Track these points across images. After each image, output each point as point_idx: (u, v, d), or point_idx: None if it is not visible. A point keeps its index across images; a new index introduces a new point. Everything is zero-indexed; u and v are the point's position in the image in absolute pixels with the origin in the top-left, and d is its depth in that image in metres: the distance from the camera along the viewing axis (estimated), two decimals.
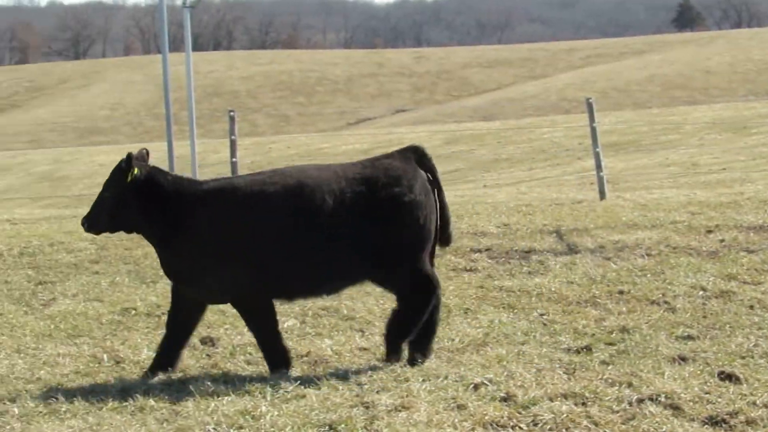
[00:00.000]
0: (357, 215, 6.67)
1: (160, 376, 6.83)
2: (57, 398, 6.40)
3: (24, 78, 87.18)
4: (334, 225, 6.64)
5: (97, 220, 6.92)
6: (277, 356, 6.80)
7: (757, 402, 5.94)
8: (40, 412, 6.20)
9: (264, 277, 6.68)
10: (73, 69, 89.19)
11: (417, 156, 6.94)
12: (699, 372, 6.54)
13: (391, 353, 6.86)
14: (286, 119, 67.27)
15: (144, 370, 7.00)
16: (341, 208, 6.65)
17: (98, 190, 7.03)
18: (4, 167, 35.36)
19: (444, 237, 7.02)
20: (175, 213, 6.74)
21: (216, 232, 6.68)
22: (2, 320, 8.86)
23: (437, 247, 7.03)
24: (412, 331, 6.79)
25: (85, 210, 7.29)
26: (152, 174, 6.86)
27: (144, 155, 6.96)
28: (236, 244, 6.65)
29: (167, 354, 6.91)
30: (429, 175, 6.91)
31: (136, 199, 6.78)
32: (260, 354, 6.98)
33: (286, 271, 6.69)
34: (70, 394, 6.50)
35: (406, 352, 6.90)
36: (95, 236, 8.47)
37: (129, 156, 6.82)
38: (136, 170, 6.80)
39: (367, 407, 5.86)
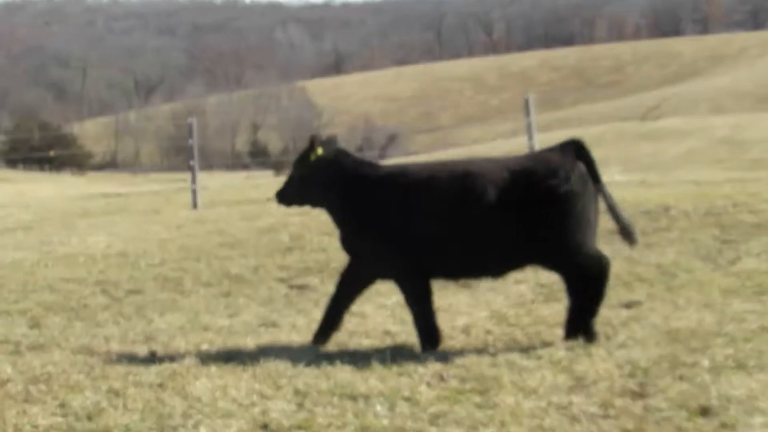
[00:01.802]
0: (517, 203, 6.83)
1: None
2: (744, 352, 6.35)
3: (705, 47, 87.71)
4: (495, 212, 6.81)
5: (286, 195, 7.38)
6: (428, 334, 7.01)
7: None
8: (729, 365, 6.18)
9: (427, 258, 6.92)
10: (752, 38, 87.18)
11: (576, 149, 7.01)
12: None
13: (585, 334, 6.88)
14: None
15: None
16: (502, 196, 6.83)
17: None
18: (686, 132, 35.99)
19: (622, 231, 7.05)
20: (353, 193, 7.09)
21: (387, 213, 6.96)
22: (691, 276, 9.05)
23: (628, 246, 7.13)
24: (595, 308, 6.89)
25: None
26: (337, 156, 7.23)
27: (334, 139, 7.39)
28: (404, 226, 6.90)
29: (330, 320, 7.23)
30: (587, 168, 6.96)
31: (319, 178, 7.18)
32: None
33: (449, 253, 6.88)
34: (756, 349, 6.41)
35: None
36: None
37: (312, 138, 7.28)
38: (319, 151, 7.21)
39: None
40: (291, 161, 7.76)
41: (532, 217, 6.82)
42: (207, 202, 19.52)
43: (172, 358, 6.80)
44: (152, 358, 6.87)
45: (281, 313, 8.57)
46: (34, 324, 8.37)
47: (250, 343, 7.35)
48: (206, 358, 6.79)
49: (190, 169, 20.48)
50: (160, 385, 6.14)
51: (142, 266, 11.14)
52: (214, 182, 32.74)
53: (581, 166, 6.97)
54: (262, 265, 10.71)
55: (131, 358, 6.89)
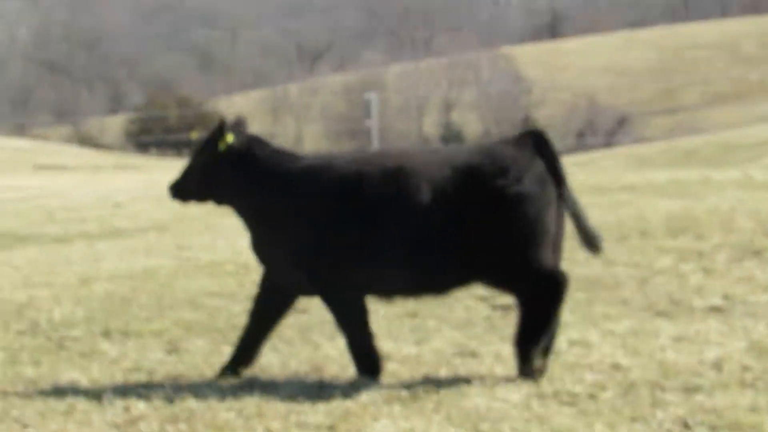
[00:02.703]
0: (456, 207, 7.18)
1: None
2: None
3: None
4: (432, 216, 7.17)
5: (182, 189, 7.68)
6: (365, 363, 7.36)
7: None
8: None
9: (354, 270, 7.28)
10: None
11: (535, 142, 7.34)
12: None
13: (522, 364, 7.24)
14: None
15: None
16: (439, 198, 7.18)
17: None
18: None
19: (586, 240, 7.38)
20: (268, 189, 7.42)
21: (303, 214, 7.36)
22: None
23: (590, 253, 7.45)
24: (539, 336, 7.22)
25: None
26: (250, 144, 7.58)
27: (242, 121, 7.69)
28: (325, 230, 7.30)
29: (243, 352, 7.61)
30: (548, 166, 7.27)
31: (226, 170, 7.52)
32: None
33: (379, 265, 7.25)
34: None
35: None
36: None
37: (221, 122, 7.56)
38: (230, 138, 7.51)
39: None
40: None
41: (474, 223, 7.21)
42: None
43: (345, 394, 6.92)
44: (318, 392, 6.97)
45: (481, 339, 8.64)
46: (172, 348, 8.67)
47: (442, 375, 7.39)
48: (388, 395, 6.87)
49: None
50: (330, 428, 6.25)
51: None
52: None
53: (539, 164, 7.31)
54: None
55: (294, 393, 7.02)
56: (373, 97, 21.32)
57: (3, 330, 9.45)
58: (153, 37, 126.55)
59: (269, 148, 7.69)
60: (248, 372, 7.69)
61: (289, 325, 9.33)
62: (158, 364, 8.13)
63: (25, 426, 6.43)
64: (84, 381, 7.57)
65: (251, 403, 6.78)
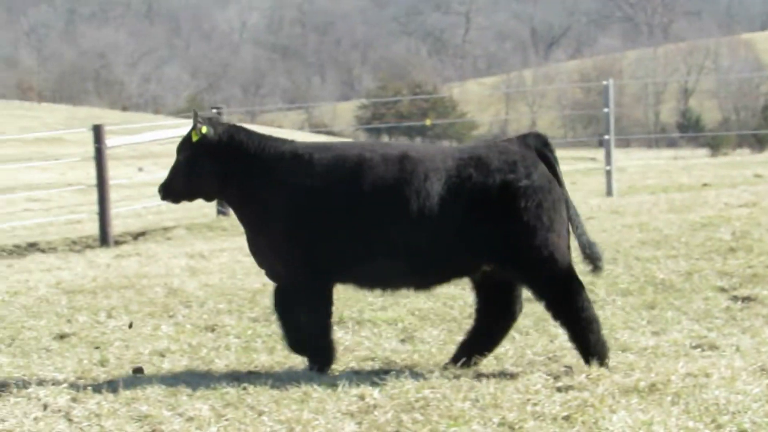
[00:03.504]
0: (461, 200, 7.26)
1: None
2: None
3: None
4: (432, 208, 7.26)
5: (171, 188, 7.76)
6: (320, 353, 7.56)
7: None
8: None
9: (340, 259, 7.38)
10: None
11: (538, 144, 7.45)
12: None
13: (600, 360, 7.32)
14: None
15: None
16: (443, 189, 7.27)
17: None
18: None
19: (585, 254, 7.44)
20: (257, 179, 7.50)
21: (297, 202, 7.39)
22: None
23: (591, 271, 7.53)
24: (597, 330, 7.40)
25: None
26: (231, 133, 7.66)
27: (218, 115, 7.27)
28: (316, 219, 7.35)
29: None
30: (549, 168, 7.39)
31: (209, 163, 7.61)
32: None
33: (374, 254, 7.33)
34: None
35: None
36: None
37: (194, 113, 7.67)
38: (204, 129, 7.58)
39: None
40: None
41: (480, 217, 7.25)
42: (624, 188, 19.53)
43: (581, 385, 6.93)
44: (553, 383, 6.98)
45: (721, 331, 8.58)
46: (407, 337, 8.82)
47: (681, 368, 7.31)
48: (625, 386, 6.84)
49: (603, 145, 20.59)
50: (566, 419, 6.26)
51: None
52: (633, 163, 32.68)
53: (543, 164, 7.41)
54: (697, 270, 10.69)
55: (529, 384, 7.05)
56: (610, 83, 20.98)
57: (236, 317, 9.76)
58: (386, 21, 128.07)
59: (253, 135, 7.74)
60: (483, 361, 7.76)
61: (524, 314, 9.38)
62: (393, 352, 8.26)
63: (260, 413, 6.61)
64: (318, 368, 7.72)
65: (486, 393, 6.82)
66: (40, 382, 7.30)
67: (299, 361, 7.83)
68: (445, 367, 7.63)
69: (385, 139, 70.82)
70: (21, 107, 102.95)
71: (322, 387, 7.05)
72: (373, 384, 7.16)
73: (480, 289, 7.74)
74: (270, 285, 10.73)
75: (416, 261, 7.37)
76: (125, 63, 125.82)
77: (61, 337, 9.24)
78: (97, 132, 18.06)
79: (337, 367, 7.73)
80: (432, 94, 73.01)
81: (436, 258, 7.36)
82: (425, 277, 7.55)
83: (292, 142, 7.77)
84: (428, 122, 59.31)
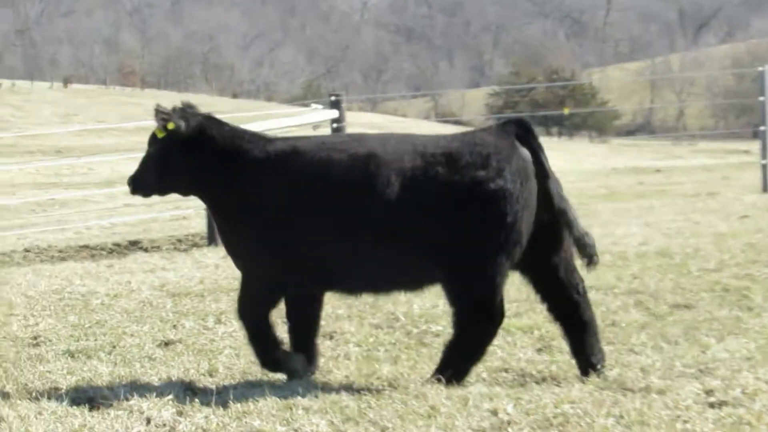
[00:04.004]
0: (427, 200, 7.32)
1: None
2: None
3: None
4: (395, 209, 7.34)
5: (140, 182, 7.99)
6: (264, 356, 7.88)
7: None
8: None
9: (307, 263, 7.59)
10: None
11: (520, 132, 7.45)
12: None
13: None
14: None
15: None
16: (409, 188, 7.34)
17: None
18: None
19: (577, 243, 7.48)
20: (230, 174, 7.71)
21: (266, 200, 7.60)
22: None
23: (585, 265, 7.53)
24: (468, 369, 7.58)
25: None
26: (203, 127, 7.83)
27: (189, 103, 7.95)
28: (283, 219, 7.55)
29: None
30: (533, 157, 7.40)
31: (181, 158, 7.81)
32: None
33: (346, 259, 7.50)
34: None
35: None
36: None
37: (156, 108, 7.84)
38: (170, 125, 7.76)
39: None
40: None
41: (442, 220, 7.32)
42: None
43: (736, 401, 6.80)
44: (705, 398, 6.85)
45: None
46: (544, 346, 8.77)
47: None
48: None
49: (758, 136, 20.31)
50: None
51: (692, 271, 11.36)
52: None
53: (523, 155, 7.39)
54: None
55: (678, 399, 6.95)
56: (766, 69, 20.65)
57: (357, 324, 9.80)
58: (520, 1, 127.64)
59: (229, 129, 7.91)
60: (628, 373, 7.65)
61: (672, 322, 9.27)
62: (528, 363, 8.21)
63: (383, 429, 6.58)
64: (446, 380, 7.62)
65: (632, 408, 6.72)
66: (143, 394, 7.33)
67: (426, 372, 7.80)
68: (583, 380, 7.54)
69: None
70: (122, 93, 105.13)
71: (450, 401, 7.00)
72: (507, 398, 7.10)
73: (539, 287, 7.79)
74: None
75: (384, 269, 7.54)
76: (236, 46, 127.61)
77: (166, 344, 9.32)
78: None
79: (467, 379, 7.67)
80: (570, 80, 72.65)
81: (404, 265, 7.51)
82: (393, 285, 7.74)
83: (266, 138, 7.93)
84: (566, 111, 58.99)
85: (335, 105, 19.98)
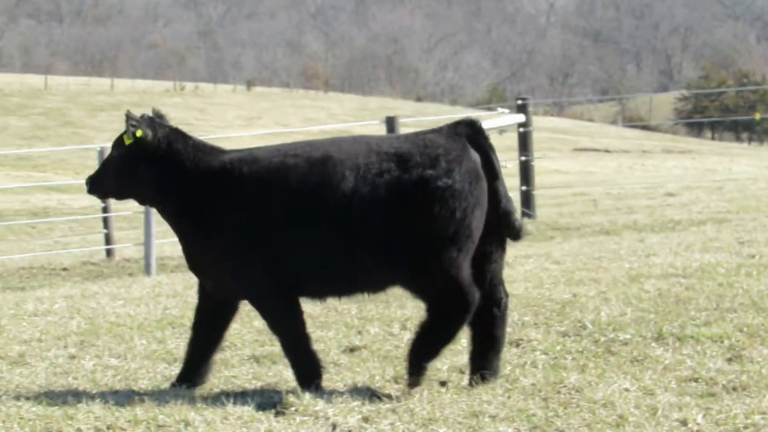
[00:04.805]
0: (378, 200, 7.54)
1: None
2: None
3: None
4: (351, 210, 7.56)
5: (98, 183, 8.21)
6: (304, 367, 7.93)
7: None
8: None
9: (279, 270, 7.74)
10: None
11: (470, 133, 7.68)
12: None
13: (412, 375, 7.76)
14: None
15: None
16: (362, 189, 7.55)
17: None
18: None
19: (510, 230, 7.73)
20: (191, 188, 7.90)
21: (225, 211, 7.81)
22: None
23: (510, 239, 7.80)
24: (438, 351, 7.81)
25: None
26: (170, 140, 8.00)
27: (159, 113, 8.13)
28: (246, 228, 7.75)
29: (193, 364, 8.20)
30: (482, 158, 7.65)
31: (144, 166, 7.98)
32: None
33: (310, 263, 7.71)
34: None
35: None
36: None
37: (127, 115, 8.00)
38: (138, 133, 7.94)
39: None
40: None
41: (394, 218, 7.55)
42: None
43: None
44: None
45: None
46: (734, 356, 8.62)
47: None
48: None
49: None
50: None
51: None
52: None
53: (473, 156, 7.60)
54: None
55: None
56: None
57: (544, 331, 9.72)
58: (710, 3, 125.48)
59: (190, 143, 8.07)
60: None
61: None
62: (718, 372, 8.09)
63: None
64: (635, 390, 7.66)
65: None
66: (329, 400, 7.46)
67: (614, 380, 7.79)
68: None
69: (708, 135, 69.44)
70: (306, 96, 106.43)
71: (639, 410, 6.99)
72: (697, 408, 7.06)
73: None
74: (578, 295, 10.81)
75: (346, 271, 7.77)
76: (420, 49, 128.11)
77: (351, 350, 9.41)
78: (391, 124, 18.34)
79: (655, 387, 7.63)
80: (761, 84, 70.96)
81: (362, 266, 7.72)
82: (355, 287, 7.96)
83: (224, 152, 8.07)
84: (757, 116, 57.79)
85: (522, 109, 19.92)
